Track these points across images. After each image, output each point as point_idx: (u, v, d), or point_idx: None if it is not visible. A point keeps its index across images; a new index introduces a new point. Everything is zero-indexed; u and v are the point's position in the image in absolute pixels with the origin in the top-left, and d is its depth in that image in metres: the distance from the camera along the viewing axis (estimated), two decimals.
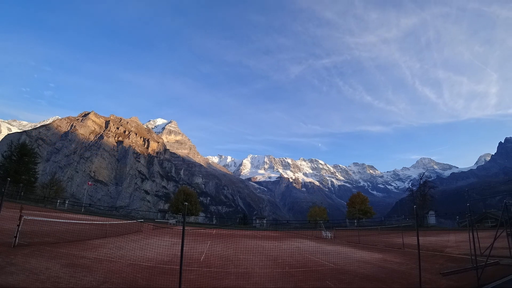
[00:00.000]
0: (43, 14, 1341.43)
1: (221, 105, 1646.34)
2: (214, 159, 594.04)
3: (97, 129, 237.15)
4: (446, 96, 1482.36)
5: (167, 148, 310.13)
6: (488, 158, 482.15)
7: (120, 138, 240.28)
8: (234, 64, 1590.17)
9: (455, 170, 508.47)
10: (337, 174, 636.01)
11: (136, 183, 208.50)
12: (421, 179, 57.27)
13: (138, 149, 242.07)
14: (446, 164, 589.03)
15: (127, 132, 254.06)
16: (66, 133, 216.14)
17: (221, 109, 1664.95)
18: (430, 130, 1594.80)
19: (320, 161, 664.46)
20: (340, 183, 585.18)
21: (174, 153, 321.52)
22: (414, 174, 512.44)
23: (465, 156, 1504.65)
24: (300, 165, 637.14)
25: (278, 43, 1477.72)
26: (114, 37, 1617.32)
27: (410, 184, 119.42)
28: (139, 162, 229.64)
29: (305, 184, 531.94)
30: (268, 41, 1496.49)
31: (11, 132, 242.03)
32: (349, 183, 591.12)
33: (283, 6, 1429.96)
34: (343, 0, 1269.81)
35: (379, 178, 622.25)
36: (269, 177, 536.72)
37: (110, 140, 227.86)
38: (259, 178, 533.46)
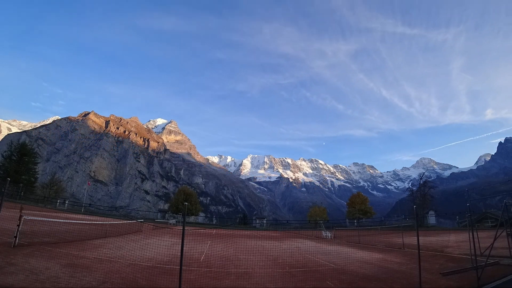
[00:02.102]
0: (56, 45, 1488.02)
1: (197, 112, 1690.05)
2: (214, 159, 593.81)
3: (97, 129, 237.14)
4: (417, 106, 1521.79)
5: (167, 148, 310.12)
6: (488, 158, 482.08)
7: (120, 138, 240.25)
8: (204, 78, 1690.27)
9: (455, 170, 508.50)
10: (337, 174, 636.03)
11: (136, 183, 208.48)
12: (421, 179, 57.26)
13: (138, 149, 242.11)
14: (446, 164, 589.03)
15: (127, 132, 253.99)
16: (66, 133, 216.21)
17: (198, 115, 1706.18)
18: (413, 134, 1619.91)
19: (320, 161, 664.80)
20: (340, 183, 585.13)
21: (174, 153, 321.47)
22: (414, 174, 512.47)
23: (465, 156, 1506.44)
24: (300, 165, 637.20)
25: (241, 67, 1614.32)
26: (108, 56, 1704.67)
27: (410, 184, 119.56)
28: (139, 162, 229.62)
29: (305, 184, 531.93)
30: (232, 66, 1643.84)
31: (11, 132, 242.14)
32: (349, 183, 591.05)
33: (243, 46, 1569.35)
34: (294, 37, 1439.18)
35: (379, 178, 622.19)
36: (269, 177, 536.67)
37: (110, 140, 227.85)
38: (259, 178, 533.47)
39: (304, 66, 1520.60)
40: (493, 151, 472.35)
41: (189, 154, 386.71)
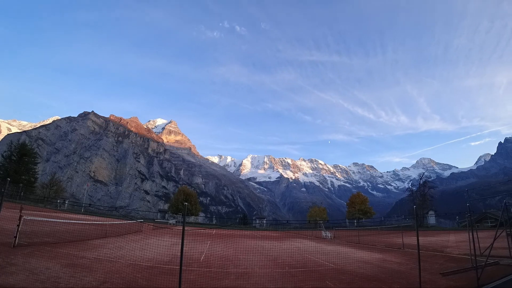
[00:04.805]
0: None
1: (192, 114, 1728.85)
2: (214, 159, 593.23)
3: (97, 129, 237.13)
4: (384, 116, 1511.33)
5: (167, 148, 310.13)
6: (488, 158, 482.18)
7: (120, 138, 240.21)
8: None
9: (455, 170, 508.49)
10: (337, 174, 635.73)
11: (136, 183, 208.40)
12: (420, 179, 57.33)
13: (138, 149, 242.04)
14: (446, 164, 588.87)
15: (127, 132, 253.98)
16: (66, 133, 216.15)
17: (196, 117, 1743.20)
18: (395, 139, 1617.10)
19: (320, 161, 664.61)
20: (340, 183, 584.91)
21: (174, 153, 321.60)
22: (414, 174, 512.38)
23: (465, 156, 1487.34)
24: (300, 165, 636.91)
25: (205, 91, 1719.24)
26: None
27: (410, 184, 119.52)
28: (139, 162, 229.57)
29: (305, 184, 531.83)
30: (200, 91, 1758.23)
31: (11, 132, 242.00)
32: (349, 183, 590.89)
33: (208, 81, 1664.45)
34: (247, 73, 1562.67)
35: (379, 178, 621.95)
36: (269, 177, 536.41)
37: (110, 140, 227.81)
38: (259, 178, 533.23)
39: (259, 89, 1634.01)
40: (492, 151, 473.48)
41: (189, 154, 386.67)
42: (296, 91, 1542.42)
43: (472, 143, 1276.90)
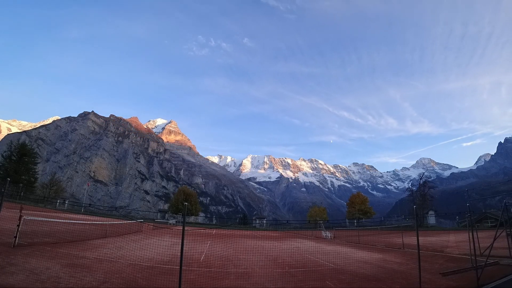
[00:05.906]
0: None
1: (192, 115, 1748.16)
2: (214, 159, 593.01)
3: (97, 129, 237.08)
4: (371, 120, 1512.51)
5: (167, 148, 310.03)
6: (488, 158, 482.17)
7: (120, 138, 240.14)
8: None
9: (455, 170, 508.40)
10: (337, 174, 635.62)
11: (136, 183, 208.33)
12: (420, 179, 57.34)
13: (138, 149, 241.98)
14: (446, 164, 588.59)
15: (127, 132, 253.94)
16: (66, 133, 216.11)
17: (196, 117, 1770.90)
18: (388, 141, 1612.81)
19: (320, 161, 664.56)
20: (340, 183, 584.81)
21: (174, 153, 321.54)
22: (414, 174, 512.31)
23: (464, 156, 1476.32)
24: (300, 165, 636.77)
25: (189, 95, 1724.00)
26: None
27: (410, 184, 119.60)
28: (139, 162, 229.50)
29: (305, 184, 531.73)
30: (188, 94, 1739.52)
31: (11, 132, 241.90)
32: (349, 183, 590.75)
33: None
34: (230, 83, 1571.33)
35: (379, 178, 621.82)
36: (269, 177, 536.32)
37: (110, 140, 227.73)
38: (259, 178, 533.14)
39: (243, 96, 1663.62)
40: (492, 151, 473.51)
41: (189, 154, 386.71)
42: (278, 96, 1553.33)
43: (464, 144, 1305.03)
